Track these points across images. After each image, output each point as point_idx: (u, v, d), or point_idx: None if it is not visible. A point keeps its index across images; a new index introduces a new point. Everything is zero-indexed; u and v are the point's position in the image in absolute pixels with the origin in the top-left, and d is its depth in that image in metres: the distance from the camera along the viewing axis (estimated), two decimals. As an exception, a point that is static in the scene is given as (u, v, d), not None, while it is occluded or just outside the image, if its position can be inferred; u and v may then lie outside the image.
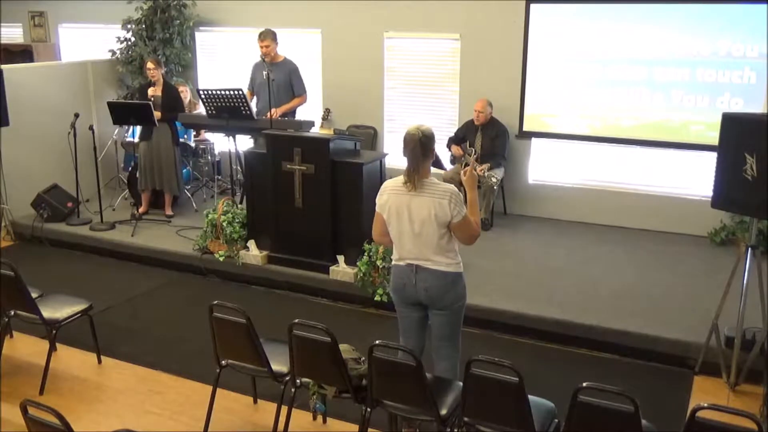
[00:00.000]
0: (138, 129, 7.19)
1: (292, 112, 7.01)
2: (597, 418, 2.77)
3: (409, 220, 3.44)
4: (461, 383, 3.13)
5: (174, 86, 7.31)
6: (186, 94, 7.75)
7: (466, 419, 3.09)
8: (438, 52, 7.36)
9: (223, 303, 3.53)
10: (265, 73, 6.58)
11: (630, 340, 4.63)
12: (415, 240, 3.45)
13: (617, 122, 6.70)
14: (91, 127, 6.84)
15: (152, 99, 6.84)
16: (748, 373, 4.19)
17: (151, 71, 6.90)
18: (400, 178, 3.48)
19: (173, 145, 7.04)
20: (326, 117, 7.66)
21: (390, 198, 3.49)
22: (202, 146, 7.86)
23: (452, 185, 3.47)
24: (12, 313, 4.27)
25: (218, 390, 3.75)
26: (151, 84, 6.95)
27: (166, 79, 7.17)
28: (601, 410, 2.74)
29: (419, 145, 3.37)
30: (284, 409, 3.55)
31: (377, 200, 3.57)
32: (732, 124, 4.01)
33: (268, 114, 6.53)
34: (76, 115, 6.79)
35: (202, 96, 6.57)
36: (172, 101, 6.97)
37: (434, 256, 3.45)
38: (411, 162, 3.41)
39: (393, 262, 3.63)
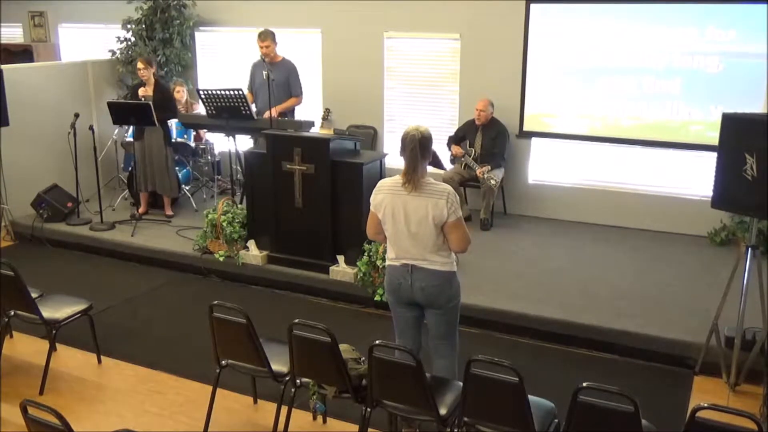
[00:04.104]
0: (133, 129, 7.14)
1: (291, 112, 7.01)
2: (597, 418, 2.77)
3: (405, 221, 3.44)
4: (461, 383, 3.13)
5: (166, 85, 7.23)
6: (182, 94, 7.72)
7: (466, 419, 3.10)
8: (438, 52, 7.36)
9: (223, 303, 3.53)
10: (264, 72, 6.57)
11: (630, 340, 4.63)
12: (411, 240, 3.46)
13: (617, 122, 6.70)
14: (91, 127, 6.84)
15: (143, 99, 6.75)
16: (748, 373, 4.19)
17: (141, 71, 6.81)
18: (397, 178, 3.49)
19: (165, 145, 6.93)
20: (326, 117, 7.66)
21: (386, 198, 3.49)
22: (202, 146, 7.85)
23: (449, 185, 3.50)
24: (12, 313, 4.27)
25: (218, 390, 3.75)
26: (142, 84, 6.89)
27: (158, 79, 7.07)
28: (601, 410, 2.75)
29: (418, 146, 3.38)
30: (284, 409, 3.55)
31: (372, 199, 3.58)
32: (732, 124, 4.01)
33: (267, 113, 6.54)
34: (76, 115, 6.79)
35: (202, 96, 6.56)
36: (164, 101, 6.82)
37: (430, 255, 3.46)
38: (410, 162, 3.41)
39: (387, 262, 3.63)
